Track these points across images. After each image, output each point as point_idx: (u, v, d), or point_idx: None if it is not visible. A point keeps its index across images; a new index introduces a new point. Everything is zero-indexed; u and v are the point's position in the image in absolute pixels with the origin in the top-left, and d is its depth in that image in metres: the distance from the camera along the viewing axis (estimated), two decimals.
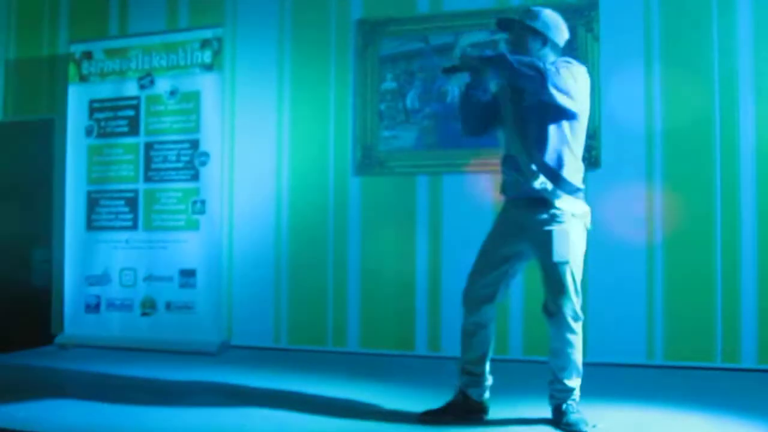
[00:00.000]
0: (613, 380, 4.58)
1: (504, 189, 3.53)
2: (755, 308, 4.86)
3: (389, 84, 5.59)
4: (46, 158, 6.45)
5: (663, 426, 3.45)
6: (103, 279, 5.88)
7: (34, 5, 6.58)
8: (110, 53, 6.04)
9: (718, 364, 4.89)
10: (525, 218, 3.42)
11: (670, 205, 5.03)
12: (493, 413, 3.58)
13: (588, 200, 5.11)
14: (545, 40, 3.42)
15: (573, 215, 3.39)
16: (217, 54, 5.73)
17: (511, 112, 3.45)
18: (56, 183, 6.33)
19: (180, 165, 5.76)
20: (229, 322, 5.81)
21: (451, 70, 3.59)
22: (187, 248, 5.68)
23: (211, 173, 5.69)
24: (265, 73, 5.88)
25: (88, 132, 6.03)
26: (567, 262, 3.35)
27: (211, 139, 5.71)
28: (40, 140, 6.48)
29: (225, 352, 5.54)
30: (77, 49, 6.12)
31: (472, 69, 3.45)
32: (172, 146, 5.80)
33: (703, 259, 4.96)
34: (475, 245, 5.28)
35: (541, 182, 3.33)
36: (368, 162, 5.61)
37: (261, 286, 5.79)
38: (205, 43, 5.76)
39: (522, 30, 3.42)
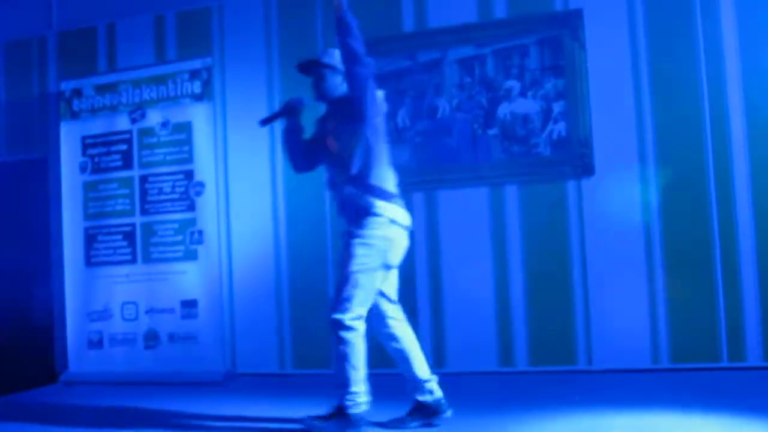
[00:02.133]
0: (620, 386, 4.58)
1: (338, 210, 3.81)
2: (758, 306, 4.86)
3: None
4: (41, 197, 6.45)
5: (675, 430, 3.44)
6: (104, 314, 5.87)
7: (22, 45, 6.60)
8: (100, 89, 6.06)
9: (725, 363, 4.89)
10: (345, 234, 3.72)
11: (666, 208, 5.04)
12: (503, 424, 3.57)
13: (584, 206, 5.18)
14: (343, 76, 3.77)
15: (392, 221, 3.66)
16: (206, 84, 5.76)
17: (323, 141, 3.82)
18: (53, 221, 6.33)
19: (175, 196, 5.77)
20: (233, 350, 5.80)
21: (267, 121, 4.04)
22: (187, 279, 5.68)
23: (207, 203, 5.70)
24: (256, 100, 5.89)
25: (83, 168, 6.04)
26: (350, 273, 3.57)
27: (205, 168, 5.72)
28: (35, 179, 6.49)
29: (231, 380, 5.53)
30: (67, 86, 6.15)
31: (286, 114, 3.90)
32: (166, 178, 5.81)
33: (703, 259, 4.96)
34: (473, 258, 5.34)
35: (350, 189, 3.66)
36: None
37: (263, 312, 5.78)
38: (194, 74, 5.79)
39: (323, 68, 3.79)
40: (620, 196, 5.09)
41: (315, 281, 5.68)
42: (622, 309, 5.05)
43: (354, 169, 3.64)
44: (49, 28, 6.53)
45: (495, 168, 5.33)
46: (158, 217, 5.81)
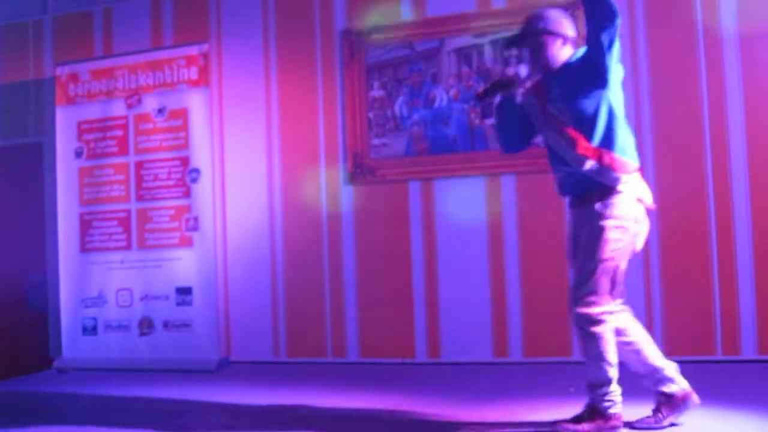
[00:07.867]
0: None
1: (560, 188, 3.42)
2: (753, 299, 4.86)
3: (377, 92, 5.59)
4: (36, 181, 6.43)
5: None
6: (99, 301, 5.85)
7: (17, 29, 6.56)
8: (96, 74, 6.03)
9: (719, 356, 4.88)
10: (578, 216, 3.32)
11: (663, 199, 5.02)
12: (499, 415, 3.57)
13: None
14: (564, 38, 3.31)
15: (638, 199, 3.23)
16: (203, 70, 5.72)
17: (542, 112, 3.33)
18: (48, 206, 6.30)
19: (171, 182, 5.75)
20: (228, 338, 5.80)
21: (484, 94, 3.48)
22: (182, 266, 5.66)
23: (203, 189, 5.67)
24: (252, 87, 5.87)
25: (78, 154, 6.01)
26: (597, 261, 3.19)
27: (201, 155, 5.69)
28: (30, 164, 6.46)
29: (224, 368, 5.52)
30: (63, 71, 6.11)
31: (503, 88, 3.39)
32: (162, 164, 5.79)
33: (699, 251, 4.95)
34: (469, 249, 5.32)
35: (590, 164, 3.17)
36: (359, 171, 5.60)
37: (258, 300, 5.77)
38: (190, 60, 5.75)
39: (538, 36, 3.30)
40: None
41: (310, 269, 5.67)
42: None
43: (596, 140, 3.17)
44: (45, 12, 6.50)
45: (492, 158, 5.30)
46: (154, 204, 5.79)
